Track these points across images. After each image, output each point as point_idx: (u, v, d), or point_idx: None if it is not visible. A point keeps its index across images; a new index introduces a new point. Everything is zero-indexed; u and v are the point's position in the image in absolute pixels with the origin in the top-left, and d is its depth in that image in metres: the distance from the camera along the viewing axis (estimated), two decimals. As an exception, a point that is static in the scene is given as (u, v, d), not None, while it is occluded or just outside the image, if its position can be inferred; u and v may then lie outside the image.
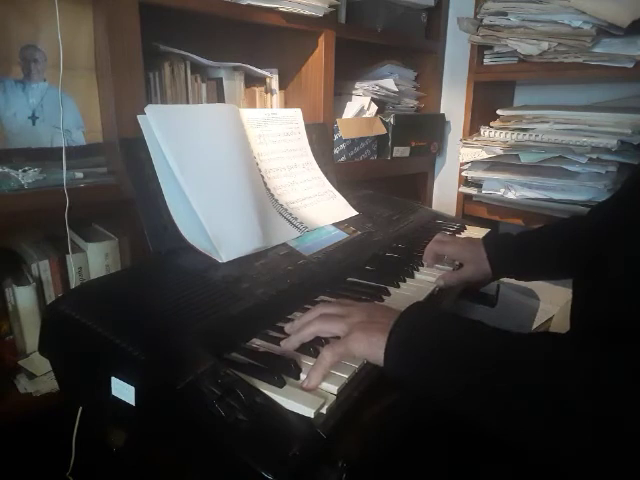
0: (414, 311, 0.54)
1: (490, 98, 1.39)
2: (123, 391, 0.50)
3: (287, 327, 0.60)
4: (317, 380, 0.51)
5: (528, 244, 0.83)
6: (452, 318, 0.53)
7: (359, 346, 0.52)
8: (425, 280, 0.82)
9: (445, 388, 0.48)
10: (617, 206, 0.70)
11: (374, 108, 1.36)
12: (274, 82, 1.17)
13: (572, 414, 0.41)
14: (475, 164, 1.31)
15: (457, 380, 0.47)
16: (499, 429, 0.47)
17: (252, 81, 1.15)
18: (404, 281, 0.81)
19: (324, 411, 0.48)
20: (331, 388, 0.51)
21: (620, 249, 0.58)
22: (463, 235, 1.09)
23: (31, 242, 0.93)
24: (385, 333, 0.51)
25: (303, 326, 0.58)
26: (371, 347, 0.51)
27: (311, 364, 0.55)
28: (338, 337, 0.57)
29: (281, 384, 0.51)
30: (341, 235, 0.92)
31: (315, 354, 0.56)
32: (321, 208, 0.97)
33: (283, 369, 0.53)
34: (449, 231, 1.09)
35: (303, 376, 0.53)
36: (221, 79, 1.07)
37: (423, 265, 0.88)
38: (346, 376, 0.53)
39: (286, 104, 1.22)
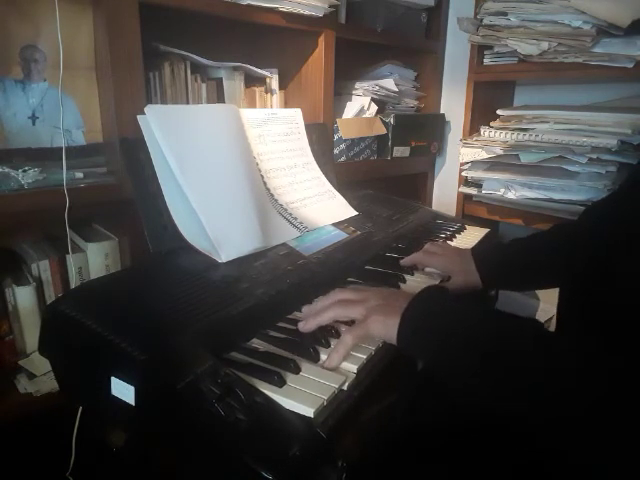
0: (425, 295, 0.57)
1: (490, 98, 1.39)
2: (123, 391, 0.50)
3: (305, 309, 0.63)
4: (338, 361, 0.55)
5: (518, 253, 0.82)
6: (458, 302, 0.56)
7: (377, 327, 0.56)
8: (425, 280, 0.82)
9: (449, 364, 0.52)
10: (616, 206, 0.69)
11: (374, 108, 1.36)
12: (274, 82, 1.17)
13: (568, 390, 0.43)
14: (475, 164, 1.31)
15: (460, 358, 0.50)
16: (497, 406, 0.49)
17: (252, 81, 1.15)
18: (404, 281, 0.81)
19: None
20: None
21: (623, 248, 0.58)
22: (463, 235, 1.09)
23: (31, 242, 0.93)
24: (399, 314, 0.54)
25: (322, 310, 0.60)
26: (387, 328, 0.55)
27: (311, 364, 0.55)
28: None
29: (281, 384, 0.51)
30: (341, 235, 0.92)
31: (315, 355, 0.57)
32: (321, 208, 0.97)
33: (283, 368, 0.53)
34: (449, 231, 1.09)
35: (303, 375, 0.53)
36: (221, 79, 1.07)
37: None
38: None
39: (286, 104, 1.22)
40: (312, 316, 0.60)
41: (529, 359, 0.46)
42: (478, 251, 0.84)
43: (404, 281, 0.81)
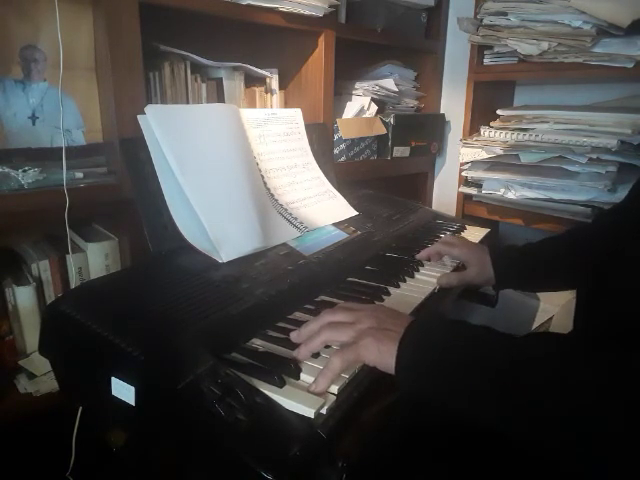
0: (424, 321, 0.54)
1: (490, 98, 1.39)
2: (123, 391, 0.50)
3: (293, 335, 0.59)
4: (325, 385, 0.51)
5: (533, 254, 0.83)
6: (461, 326, 0.53)
7: (369, 354, 0.52)
8: (425, 280, 0.82)
9: (458, 396, 0.48)
10: (628, 209, 0.70)
11: (374, 108, 1.35)
12: (274, 82, 1.17)
13: (585, 409, 0.41)
14: (475, 164, 1.31)
15: (469, 387, 0.47)
16: (515, 432, 0.47)
17: (252, 81, 1.15)
18: (404, 281, 0.81)
19: (324, 411, 0.48)
20: (331, 388, 0.51)
21: (633, 249, 0.58)
22: (463, 235, 1.09)
23: (31, 242, 0.93)
24: (396, 342, 0.51)
25: (311, 336, 0.56)
26: (382, 356, 0.51)
27: (311, 364, 0.55)
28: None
29: (281, 384, 0.51)
30: (341, 235, 0.92)
31: (315, 355, 0.57)
32: (321, 208, 0.97)
33: (283, 369, 0.53)
34: (449, 231, 1.09)
35: (303, 376, 0.53)
36: (221, 79, 1.07)
37: (422, 264, 0.88)
38: (346, 376, 0.53)
39: (286, 104, 1.22)
40: (303, 344, 0.57)
41: (548, 387, 0.43)
42: (494, 250, 0.86)
43: (404, 281, 0.81)
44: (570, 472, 0.48)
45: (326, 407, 0.49)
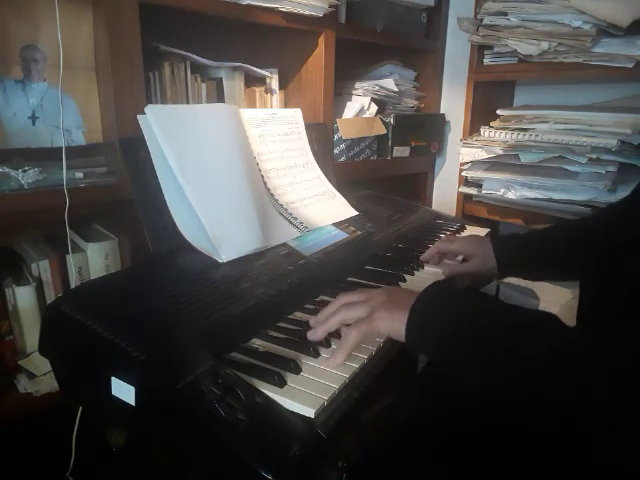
0: (434, 289, 0.56)
1: (490, 98, 1.39)
2: (123, 391, 0.50)
3: (312, 321, 0.61)
4: (342, 358, 0.54)
5: (536, 242, 0.83)
6: (469, 296, 0.55)
7: (383, 323, 0.55)
8: (425, 280, 0.82)
9: (459, 363, 0.51)
10: (635, 205, 0.70)
11: (374, 108, 1.36)
12: (274, 82, 1.17)
13: (585, 392, 0.42)
14: (475, 164, 1.31)
15: (470, 357, 0.49)
16: (515, 404, 0.47)
17: (252, 81, 1.15)
18: (404, 281, 0.81)
19: (324, 411, 0.48)
20: (331, 388, 0.51)
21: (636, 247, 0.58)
22: (463, 235, 1.09)
23: (31, 242, 0.93)
24: (406, 310, 0.53)
25: (328, 317, 0.59)
26: (393, 324, 0.54)
27: (311, 364, 0.55)
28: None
29: (281, 384, 0.51)
30: (341, 235, 0.92)
31: (315, 354, 0.57)
32: (321, 208, 0.97)
33: (283, 369, 0.53)
34: (449, 231, 1.09)
35: (303, 375, 0.53)
36: (221, 79, 1.07)
37: (422, 265, 0.88)
38: (347, 375, 0.53)
39: (286, 104, 1.22)
40: (319, 324, 0.59)
41: (545, 361, 0.44)
42: (497, 238, 0.86)
43: (404, 280, 0.81)
44: (571, 471, 0.48)
45: (326, 407, 0.49)
